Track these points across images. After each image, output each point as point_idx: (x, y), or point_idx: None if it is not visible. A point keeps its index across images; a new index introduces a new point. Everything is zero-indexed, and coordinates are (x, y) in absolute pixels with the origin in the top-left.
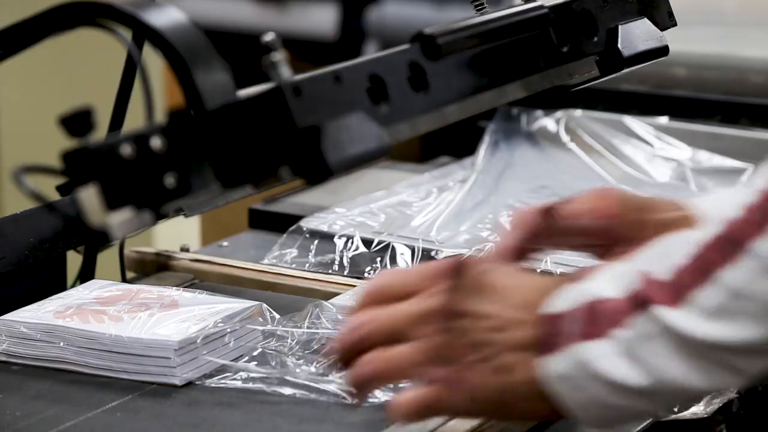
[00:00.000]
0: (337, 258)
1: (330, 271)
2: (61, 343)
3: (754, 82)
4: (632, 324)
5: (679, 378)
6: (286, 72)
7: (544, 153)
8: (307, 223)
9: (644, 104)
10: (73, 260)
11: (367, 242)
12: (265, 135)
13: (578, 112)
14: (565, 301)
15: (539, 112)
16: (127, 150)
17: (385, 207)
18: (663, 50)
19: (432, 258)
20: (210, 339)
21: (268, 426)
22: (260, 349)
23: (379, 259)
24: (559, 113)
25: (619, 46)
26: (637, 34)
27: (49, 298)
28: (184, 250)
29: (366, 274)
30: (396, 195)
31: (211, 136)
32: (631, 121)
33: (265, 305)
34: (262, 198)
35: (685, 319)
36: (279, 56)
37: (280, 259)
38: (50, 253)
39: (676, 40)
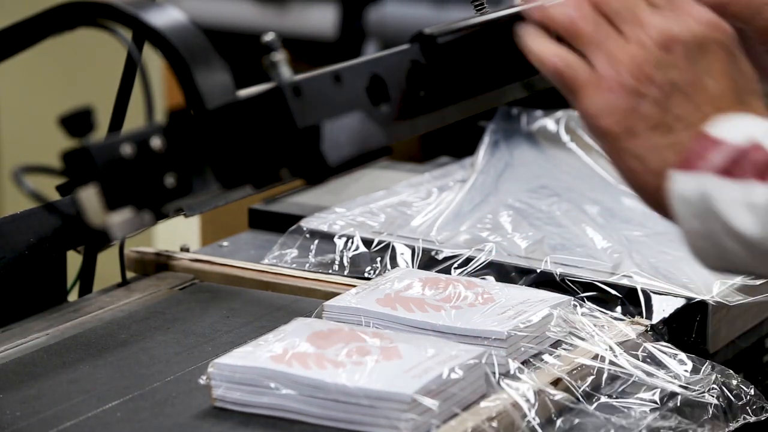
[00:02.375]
0: (337, 258)
1: (330, 271)
2: (282, 390)
3: None
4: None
5: None
6: (286, 72)
7: (544, 153)
8: (307, 223)
9: None
10: (73, 261)
11: (367, 242)
12: (265, 135)
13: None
14: (731, 130)
15: (539, 112)
16: (127, 150)
17: (385, 207)
18: None
19: (433, 258)
20: (438, 392)
21: None
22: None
23: (379, 259)
24: (559, 113)
25: None
26: None
27: (264, 338)
28: (184, 250)
29: (366, 274)
30: (396, 195)
31: (211, 136)
32: None
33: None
34: (262, 198)
35: None
36: (279, 56)
37: (280, 259)
38: (50, 253)
39: None
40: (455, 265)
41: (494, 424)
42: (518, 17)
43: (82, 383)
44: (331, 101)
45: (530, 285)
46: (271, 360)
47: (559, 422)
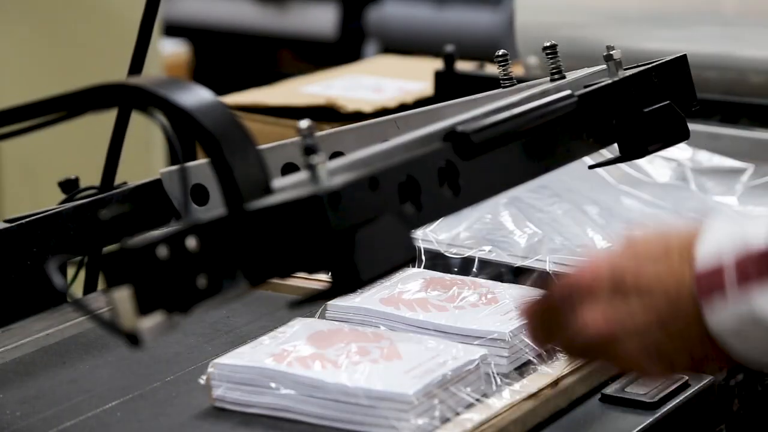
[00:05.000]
0: None
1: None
2: (282, 390)
3: (753, 82)
4: None
5: None
6: (325, 176)
7: None
8: None
9: None
10: (73, 260)
11: None
12: (299, 239)
13: None
14: (716, 251)
15: None
16: (163, 252)
17: None
18: (684, 135)
19: (433, 258)
20: (438, 392)
21: None
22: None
23: None
24: None
25: (641, 131)
26: (660, 119)
27: (264, 338)
28: None
29: None
30: None
31: (245, 236)
32: None
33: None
34: None
35: None
36: (318, 159)
37: None
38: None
39: (676, 40)
40: (455, 265)
41: (495, 424)
42: (551, 107)
43: (82, 383)
44: (366, 208)
45: (530, 285)
46: (272, 360)
47: (559, 422)
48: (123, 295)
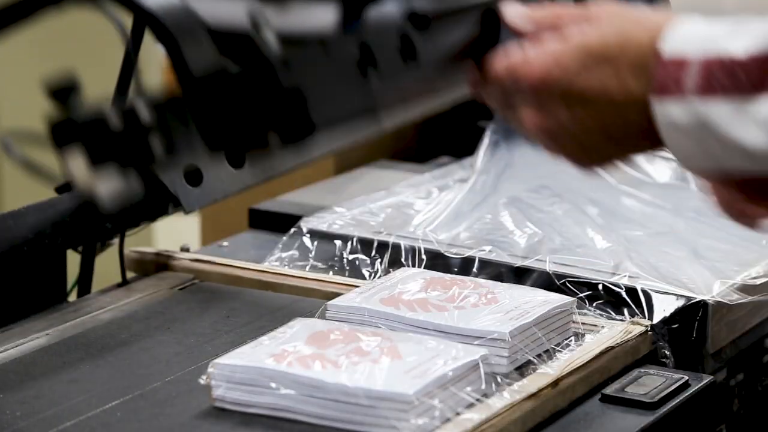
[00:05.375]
0: (338, 258)
1: (330, 272)
2: (282, 390)
3: None
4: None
5: None
6: (272, 39)
7: (544, 153)
8: (307, 224)
9: None
10: (73, 260)
11: (367, 242)
12: (252, 100)
13: None
14: (687, 44)
15: None
16: (113, 114)
17: (385, 207)
18: None
19: (433, 258)
20: (438, 392)
21: None
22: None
23: (378, 259)
24: None
25: None
26: None
27: (264, 338)
28: (184, 250)
29: (366, 275)
30: (396, 195)
31: (197, 103)
32: None
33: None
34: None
35: None
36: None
37: (280, 262)
38: (49, 250)
39: None
40: (455, 265)
41: (495, 424)
42: None
43: (82, 383)
44: (318, 67)
45: (530, 285)
46: (271, 360)
47: (559, 422)
48: (75, 153)
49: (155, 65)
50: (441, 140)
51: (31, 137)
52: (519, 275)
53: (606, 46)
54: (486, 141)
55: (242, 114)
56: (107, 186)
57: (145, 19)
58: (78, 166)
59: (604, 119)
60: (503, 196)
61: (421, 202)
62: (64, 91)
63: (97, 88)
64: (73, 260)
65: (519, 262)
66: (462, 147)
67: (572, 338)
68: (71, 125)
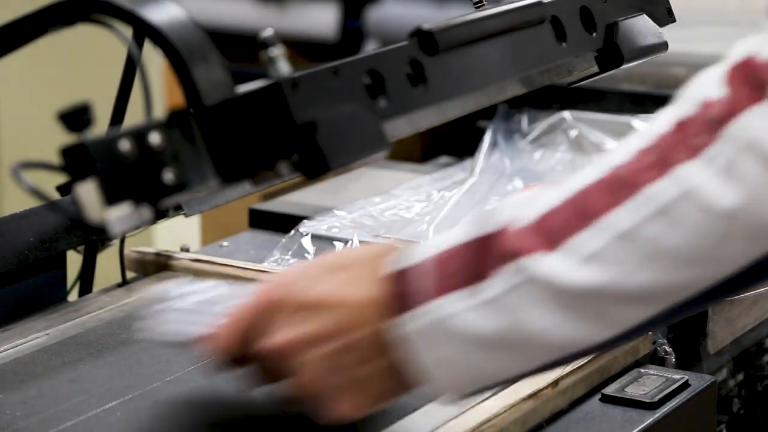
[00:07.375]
0: None
1: None
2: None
3: None
4: (496, 274)
5: (540, 327)
6: (284, 67)
7: (544, 153)
8: (306, 227)
9: (644, 104)
10: (73, 260)
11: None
12: (264, 130)
13: (578, 113)
14: (407, 257)
15: (539, 112)
16: (125, 145)
17: (384, 209)
18: (662, 46)
19: None
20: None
21: None
22: None
23: None
24: (559, 113)
25: (617, 42)
26: (636, 31)
27: None
28: (184, 250)
29: None
30: (395, 198)
31: (209, 132)
32: (632, 121)
33: None
34: (262, 195)
35: (555, 264)
36: (277, 51)
37: (279, 263)
38: (50, 253)
39: (676, 40)
40: None
41: (495, 424)
42: (518, 13)
43: (82, 383)
44: (329, 96)
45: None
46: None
47: (559, 422)
48: (88, 188)
49: (155, 65)
50: (441, 140)
51: (42, 165)
52: None
53: (339, 257)
54: (486, 141)
55: (254, 145)
56: (119, 217)
57: (158, 41)
58: (89, 196)
59: (339, 321)
60: (503, 196)
61: (421, 204)
62: (78, 120)
63: (94, 93)
64: (73, 260)
65: None
66: (462, 147)
67: None
68: (86, 157)
